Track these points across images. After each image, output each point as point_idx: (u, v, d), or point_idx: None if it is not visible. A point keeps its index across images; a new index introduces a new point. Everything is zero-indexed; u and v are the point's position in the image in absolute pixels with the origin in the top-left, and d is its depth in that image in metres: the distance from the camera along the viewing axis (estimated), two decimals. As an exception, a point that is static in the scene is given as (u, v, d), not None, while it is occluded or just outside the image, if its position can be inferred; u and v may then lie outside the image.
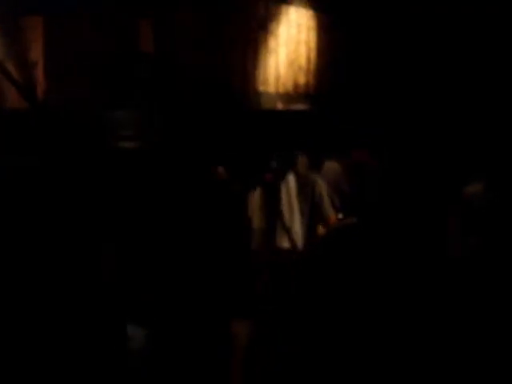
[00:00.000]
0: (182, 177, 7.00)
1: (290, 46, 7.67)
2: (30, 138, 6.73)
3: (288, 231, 6.05)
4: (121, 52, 7.08)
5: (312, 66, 7.84)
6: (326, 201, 6.33)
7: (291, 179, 6.15)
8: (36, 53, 6.76)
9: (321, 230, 6.40)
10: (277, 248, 6.05)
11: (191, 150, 7.20)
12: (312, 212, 6.25)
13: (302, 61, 7.78)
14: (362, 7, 7.77)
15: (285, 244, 6.05)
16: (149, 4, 7.04)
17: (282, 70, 7.62)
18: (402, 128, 7.88)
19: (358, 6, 7.76)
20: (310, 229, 6.28)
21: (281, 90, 7.60)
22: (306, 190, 6.22)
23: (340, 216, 6.71)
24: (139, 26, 7.04)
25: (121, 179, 6.71)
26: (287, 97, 7.65)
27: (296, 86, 7.72)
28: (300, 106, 7.65)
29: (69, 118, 6.88)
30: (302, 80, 7.78)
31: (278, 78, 7.59)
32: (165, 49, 7.10)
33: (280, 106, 7.56)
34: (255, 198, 6.06)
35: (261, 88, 7.51)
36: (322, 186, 6.33)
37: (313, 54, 7.85)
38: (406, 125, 7.91)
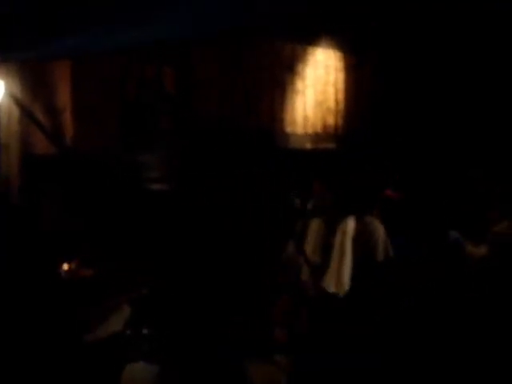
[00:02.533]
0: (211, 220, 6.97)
1: (317, 87, 7.63)
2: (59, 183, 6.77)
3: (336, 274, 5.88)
4: (146, 94, 7.13)
5: (340, 107, 7.79)
6: (380, 251, 6.12)
7: (350, 222, 5.97)
8: (64, 98, 6.81)
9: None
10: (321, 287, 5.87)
11: (220, 191, 7.18)
12: (364, 258, 6.06)
13: (330, 101, 7.73)
14: (389, 48, 7.74)
15: (330, 287, 5.86)
16: (173, 53, 7.09)
17: (310, 110, 7.58)
18: (428, 163, 7.78)
19: (385, 47, 7.74)
20: (359, 277, 6.07)
21: (309, 130, 7.55)
22: (362, 234, 6.04)
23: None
24: (163, 73, 7.08)
25: (151, 220, 6.71)
26: (316, 137, 7.59)
27: (325, 126, 7.66)
28: (329, 146, 7.59)
29: (97, 163, 6.91)
30: (330, 120, 7.73)
31: (305, 119, 7.54)
32: (187, 93, 7.13)
33: (309, 146, 7.51)
34: (313, 229, 5.91)
35: (289, 129, 7.46)
36: (380, 235, 6.12)
37: (340, 95, 7.81)
38: (431, 160, 7.80)
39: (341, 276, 5.90)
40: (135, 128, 7.19)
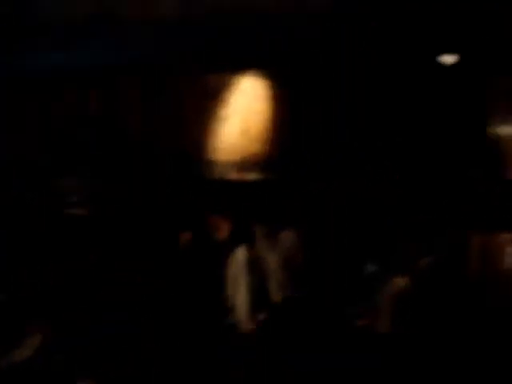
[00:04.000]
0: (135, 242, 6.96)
1: (242, 115, 7.61)
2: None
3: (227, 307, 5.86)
4: (69, 117, 7.14)
5: (265, 135, 7.76)
6: (273, 279, 6.11)
7: (241, 252, 5.94)
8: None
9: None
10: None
11: (142, 216, 7.17)
12: (258, 289, 6.03)
13: (255, 130, 7.72)
14: (314, 78, 7.71)
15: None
16: (97, 75, 7.10)
17: (235, 138, 7.57)
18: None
19: (310, 77, 7.72)
20: (255, 302, 6.05)
21: (234, 158, 7.53)
22: (255, 265, 6.02)
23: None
24: (89, 96, 7.09)
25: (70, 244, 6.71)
26: (240, 165, 7.57)
27: (249, 154, 7.64)
28: (254, 176, 7.56)
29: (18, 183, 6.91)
30: (255, 149, 7.70)
31: (230, 147, 7.53)
32: (113, 117, 7.13)
33: (234, 175, 7.48)
34: None
35: (213, 156, 7.46)
36: (272, 264, 6.12)
37: (266, 123, 7.79)
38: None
39: (237, 306, 5.91)
40: (58, 148, 7.21)
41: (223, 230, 6.05)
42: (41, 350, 5.44)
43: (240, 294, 5.91)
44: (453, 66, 6.99)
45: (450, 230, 6.77)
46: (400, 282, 6.61)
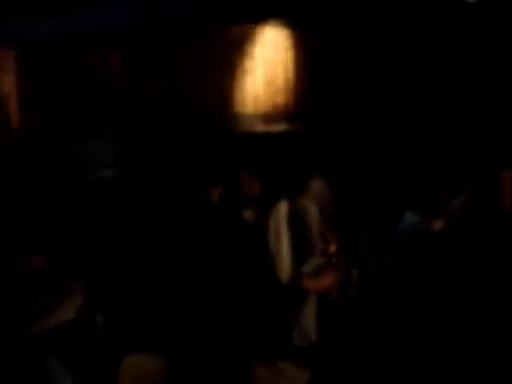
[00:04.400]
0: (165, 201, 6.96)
1: (267, 67, 7.56)
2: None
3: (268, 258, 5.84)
4: (91, 81, 7.11)
5: (291, 86, 7.71)
6: (315, 230, 6.08)
7: (282, 205, 5.92)
8: (8, 86, 6.80)
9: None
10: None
11: (171, 175, 7.16)
12: (301, 241, 6.01)
13: (280, 81, 7.66)
14: (339, 25, 7.63)
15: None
16: (118, 37, 7.05)
17: (260, 90, 7.52)
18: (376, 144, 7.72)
19: (335, 24, 7.62)
20: (298, 256, 6.04)
21: (260, 111, 7.49)
22: (295, 217, 5.99)
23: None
24: (108, 57, 7.05)
25: (99, 207, 6.71)
26: (266, 118, 7.53)
27: (275, 106, 7.59)
28: (280, 127, 7.52)
29: (45, 149, 6.91)
30: (280, 100, 7.65)
31: (256, 99, 7.49)
32: (135, 76, 7.09)
33: (259, 127, 7.44)
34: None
35: (239, 110, 7.42)
36: (313, 214, 6.08)
37: (291, 74, 7.72)
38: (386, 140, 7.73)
39: (281, 261, 5.88)
40: (81, 113, 7.20)
41: (255, 187, 6.04)
42: (83, 313, 5.45)
43: (283, 248, 5.90)
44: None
45: (479, 168, 6.72)
46: (437, 224, 6.60)
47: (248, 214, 5.90)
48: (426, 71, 7.56)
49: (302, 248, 5.96)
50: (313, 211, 5.94)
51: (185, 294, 5.36)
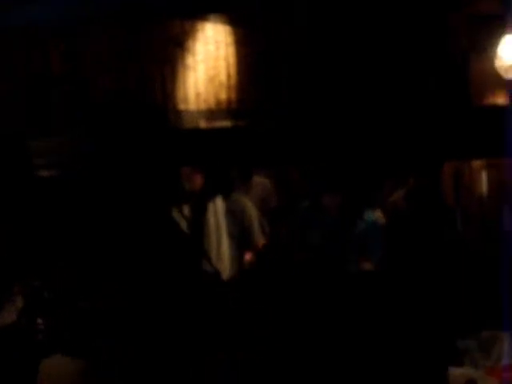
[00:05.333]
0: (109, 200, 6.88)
1: (208, 63, 7.55)
2: None
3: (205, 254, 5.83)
4: (32, 77, 7.01)
5: (233, 82, 7.72)
6: (256, 226, 6.10)
7: (219, 200, 5.93)
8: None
9: (249, 256, 6.16)
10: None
11: (114, 174, 7.09)
12: (241, 236, 6.02)
13: (223, 77, 7.66)
14: (280, 19, 7.66)
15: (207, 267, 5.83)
16: (59, 30, 6.98)
17: (202, 86, 7.51)
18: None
19: (275, 19, 7.66)
20: (239, 253, 6.05)
21: (202, 107, 7.48)
22: (235, 213, 6.00)
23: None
24: (50, 50, 6.98)
25: (42, 208, 6.61)
26: (209, 114, 7.52)
27: (218, 102, 7.60)
28: (223, 124, 7.52)
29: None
30: (223, 96, 7.66)
31: (198, 95, 7.48)
32: (76, 72, 7.02)
33: (203, 123, 7.43)
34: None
35: (181, 106, 7.40)
36: (252, 210, 6.10)
37: (233, 70, 7.74)
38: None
39: (221, 256, 5.89)
40: (24, 110, 7.10)
41: (197, 181, 6.02)
42: (24, 314, 5.38)
43: (223, 244, 5.91)
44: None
45: (421, 161, 6.80)
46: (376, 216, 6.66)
47: (188, 210, 5.89)
48: (367, 66, 7.62)
49: (242, 242, 5.99)
50: (252, 205, 5.98)
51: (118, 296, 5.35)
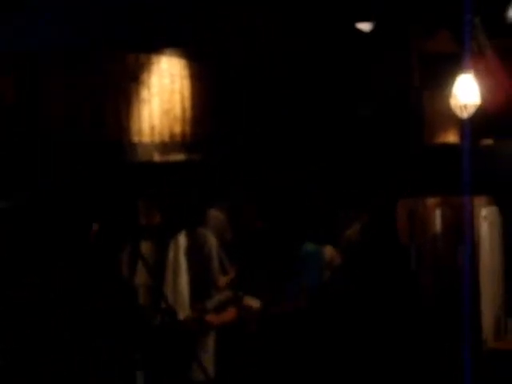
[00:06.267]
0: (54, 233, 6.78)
1: (163, 96, 7.53)
2: None
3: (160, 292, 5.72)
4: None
5: (187, 115, 7.70)
6: (215, 262, 6.01)
7: (182, 236, 5.84)
8: None
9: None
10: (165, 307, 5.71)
11: (64, 207, 7.01)
12: (200, 272, 5.93)
13: (177, 110, 7.64)
14: (232, 55, 7.71)
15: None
16: (10, 62, 6.90)
17: (157, 119, 7.48)
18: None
19: (228, 55, 7.71)
20: (197, 289, 5.95)
21: (157, 140, 7.44)
22: (195, 248, 5.91)
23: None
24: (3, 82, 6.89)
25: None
26: (164, 147, 7.48)
27: (172, 135, 7.56)
28: (177, 157, 7.49)
29: None
30: (178, 129, 7.63)
31: (153, 129, 7.44)
32: (29, 104, 6.94)
33: (157, 157, 7.38)
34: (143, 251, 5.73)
35: (136, 139, 7.35)
36: (213, 245, 6.01)
37: (187, 103, 7.72)
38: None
39: (178, 293, 5.80)
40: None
41: (153, 217, 5.95)
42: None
43: (181, 281, 5.82)
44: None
45: (376, 198, 6.86)
46: (329, 252, 6.69)
47: (146, 246, 5.82)
48: (321, 101, 7.70)
49: (201, 280, 5.91)
50: (212, 242, 5.92)
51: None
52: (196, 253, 5.89)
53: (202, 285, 5.97)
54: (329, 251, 6.85)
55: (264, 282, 6.91)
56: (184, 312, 5.74)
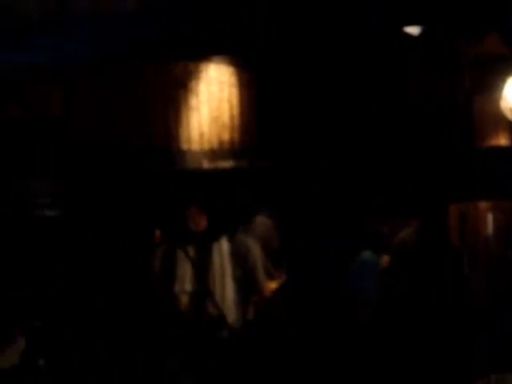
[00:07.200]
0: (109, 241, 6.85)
1: (211, 104, 7.57)
2: None
3: (211, 296, 5.74)
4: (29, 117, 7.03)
5: (236, 122, 7.73)
6: (260, 270, 6.03)
7: (224, 241, 5.87)
8: None
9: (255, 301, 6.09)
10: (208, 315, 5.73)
11: (117, 215, 7.07)
12: (245, 279, 5.95)
13: (226, 117, 7.67)
14: (281, 62, 7.72)
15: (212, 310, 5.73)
16: (59, 73, 7.00)
17: (206, 127, 7.51)
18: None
19: (277, 62, 7.72)
20: (243, 296, 5.96)
21: (205, 147, 7.48)
22: (239, 255, 5.93)
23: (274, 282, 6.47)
24: (50, 94, 7.00)
25: (41, 248, 6.57)
26: (212, 154, 7.52)
27: (221, 142, 7.59)
28: (226, 164, 7.51)
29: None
30: (226, 136, 7.66)
31: (201, 136, 7.47)
32: (76, 114, 7.04)
33: (206, 164, 7.41)
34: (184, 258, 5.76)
35: (184, 146, 7.39)
36: (257, 253, 6.03)
37: (236, 110, 7.75)
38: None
39: (226, 298, 5.81)
40: (24, 151, 7.09)
41: (201, 222, 5.98)
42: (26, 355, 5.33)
43: (227, 286, 5.83)
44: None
45: (428, 203, 6.80)
46: (385, 261, 6.63)
47: (191, 251, 5.84)
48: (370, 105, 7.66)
49: (246, 285, 5.91)
50: (255, 251, 5.91)
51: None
52: (239, 260, 5.91)
53: (246, 293, 5.97)
54: (385, 260, 6.79)
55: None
56: (231, 317, 5.74)
